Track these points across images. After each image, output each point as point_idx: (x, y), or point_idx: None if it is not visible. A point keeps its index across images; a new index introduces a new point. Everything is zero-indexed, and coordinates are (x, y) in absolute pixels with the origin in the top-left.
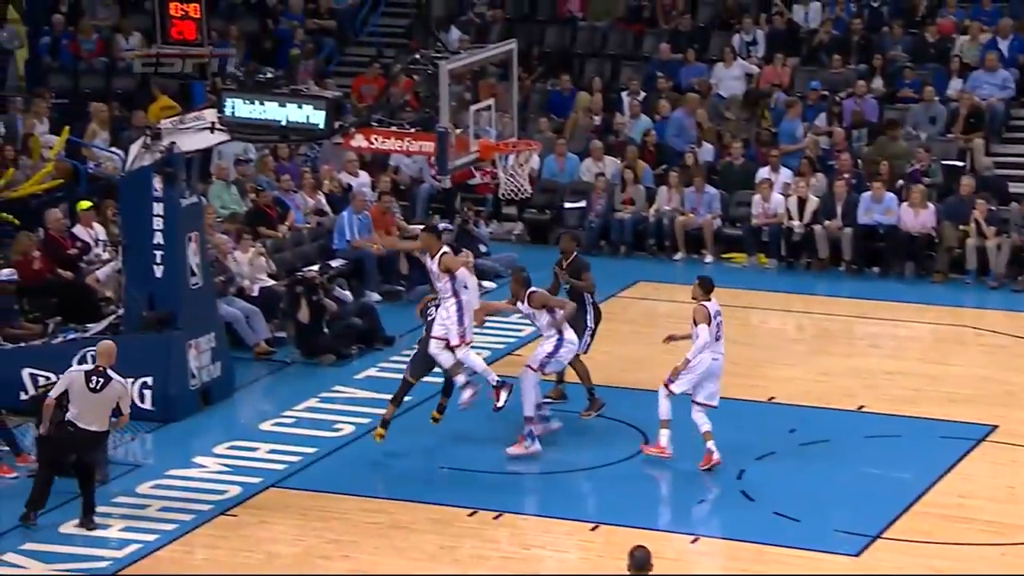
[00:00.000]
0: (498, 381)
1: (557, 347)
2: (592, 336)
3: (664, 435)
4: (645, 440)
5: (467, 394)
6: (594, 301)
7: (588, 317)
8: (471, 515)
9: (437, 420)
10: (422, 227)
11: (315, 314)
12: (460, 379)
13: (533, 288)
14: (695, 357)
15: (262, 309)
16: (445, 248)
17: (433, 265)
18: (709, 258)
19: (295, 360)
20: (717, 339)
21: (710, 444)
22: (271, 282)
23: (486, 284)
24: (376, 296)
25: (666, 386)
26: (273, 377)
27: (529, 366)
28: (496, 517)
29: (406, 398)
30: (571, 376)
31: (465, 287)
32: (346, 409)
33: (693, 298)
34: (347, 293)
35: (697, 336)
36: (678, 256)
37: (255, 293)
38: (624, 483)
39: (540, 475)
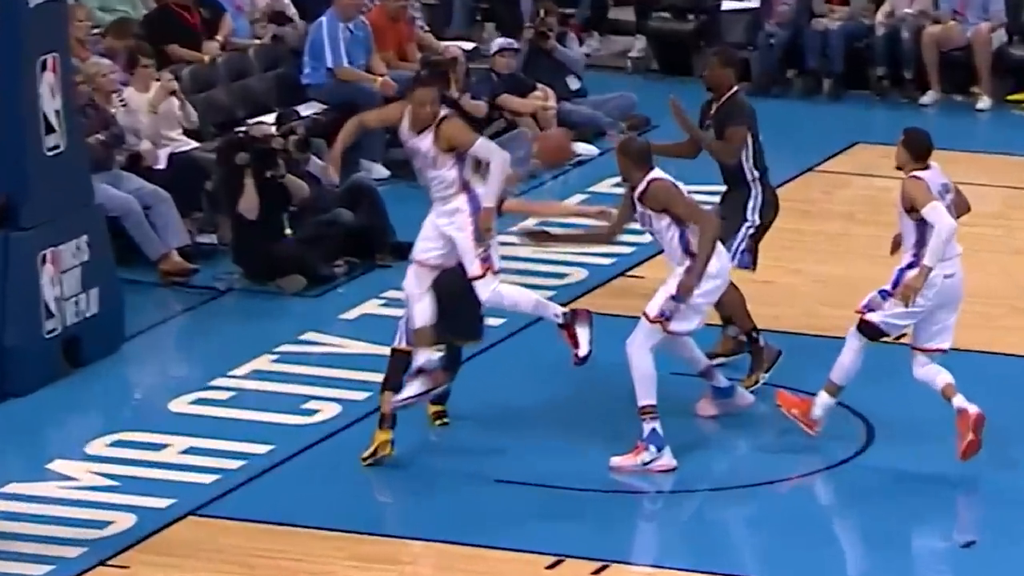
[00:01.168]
0: (565, 314)
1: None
2: (758, 238)
3: (822, 403)
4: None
5: (410, 390)
6: (763, 177)
7: (751, 205)
8: (553, 567)
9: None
10: (422, 64)
11: (270, 202)
12: (420, 358)
13: (656, 173)
14: (932, 262)
15: (174, 193)
16: (444, 109)
17: (419, 140)
18: (985, 101)
19: (234, 285)
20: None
21: (959, 401)
22: (192, 144)
23: (582, 149)
24: (380, 170)
25: (862, 317)
26: (195, 317)
27: (646, 315)
28: (599, 573)
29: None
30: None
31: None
32: (325, 375)
33: (898, 167)
34: (318, 161)
35: (933, 226)
36: (927, 97)
37: (161, 164)
38: (839, 513)
39: (666, 497)
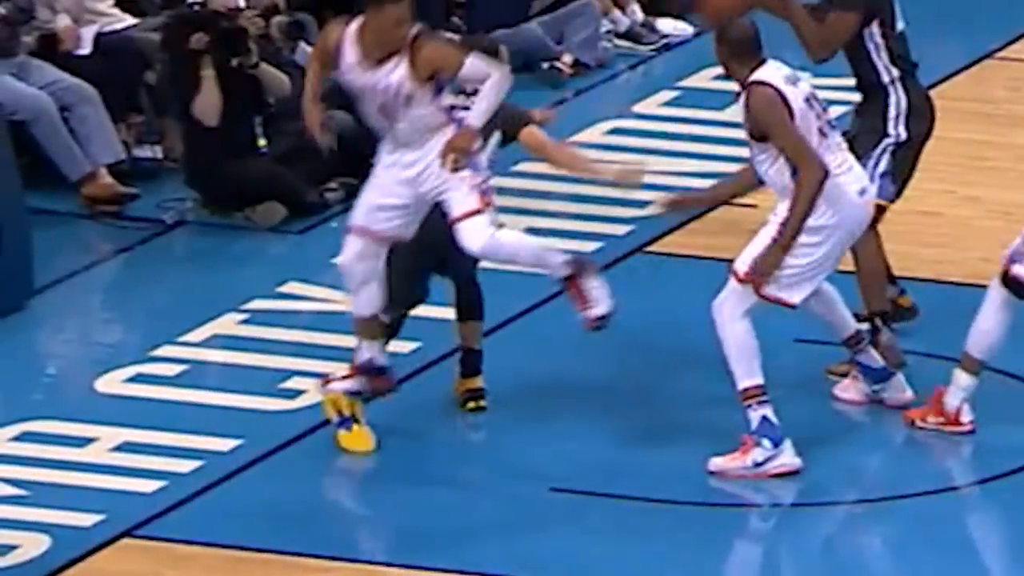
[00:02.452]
0: (571, 261)
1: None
2: (906, 159)
3: (959, 389)
4: None
5: (347, 384)
6: (905, 78)
7: (891, 115)
8: None
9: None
10: None
11: (237, 103)
12: (365, 353)
13: (765, 71)
14: None
15: (103, 89)
16: (417, 25)
17: (381, 74)
18: None
19: (187, 216)
20: None
21: None
22: (127, 20)
23: (671, 26)
24: None
25: (1006, 273)
26: (131, 261)
27: (735, 271)
28: None
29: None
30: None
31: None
32: (312, 342)
33: None
34: (308, 49)
35: None
36: None
37: (86, 49)
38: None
39: (784, 512)
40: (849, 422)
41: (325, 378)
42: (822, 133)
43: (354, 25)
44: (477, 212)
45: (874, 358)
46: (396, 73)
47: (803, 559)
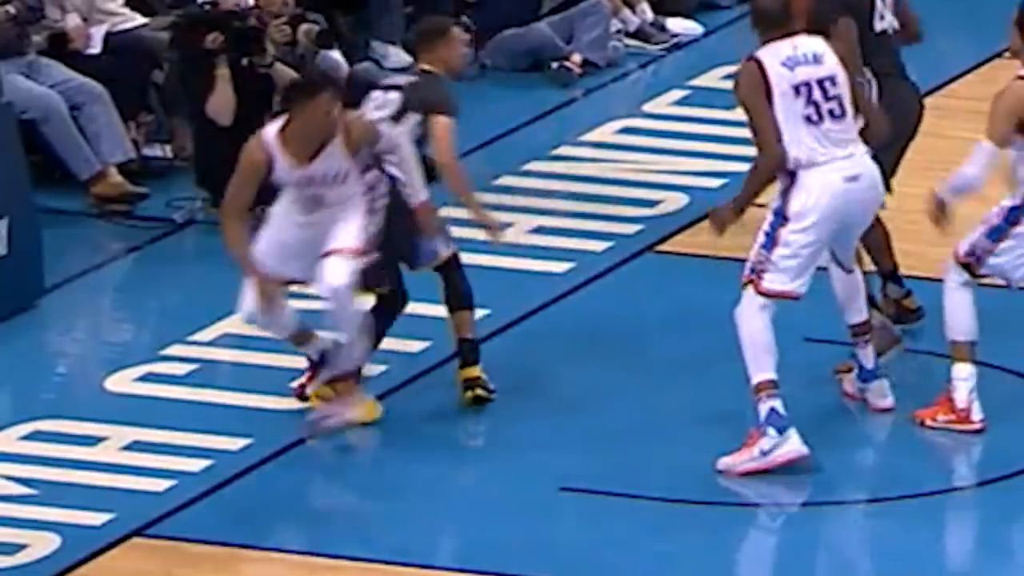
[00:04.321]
0: (352, 373)
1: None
2: (886, 160)
3: (962, 382)
4: None
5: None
6: (879, 76)
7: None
8: None
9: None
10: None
11: (250, 102)
12: (313, 350)
13: (767, 50)
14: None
15: (113, 88)
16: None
17: (320, 163)
18: None
19: (197, 216)
20: None
21: None
22: (137, 20)
23: (681, 26)
24: (398, 56)
25: (959, 260)
26: (141, 260)
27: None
28: None
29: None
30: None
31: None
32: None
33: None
34: (334, 54)
35: None
36: None
37: (96, 48)
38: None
39: (796, 511)
40: (858, 421)
41: (299, 390)
42: (810, 120)
43: (272, 134)
44: (352, 254)
45: (868, 356)
46: (332, 158)
47: (811, 558)
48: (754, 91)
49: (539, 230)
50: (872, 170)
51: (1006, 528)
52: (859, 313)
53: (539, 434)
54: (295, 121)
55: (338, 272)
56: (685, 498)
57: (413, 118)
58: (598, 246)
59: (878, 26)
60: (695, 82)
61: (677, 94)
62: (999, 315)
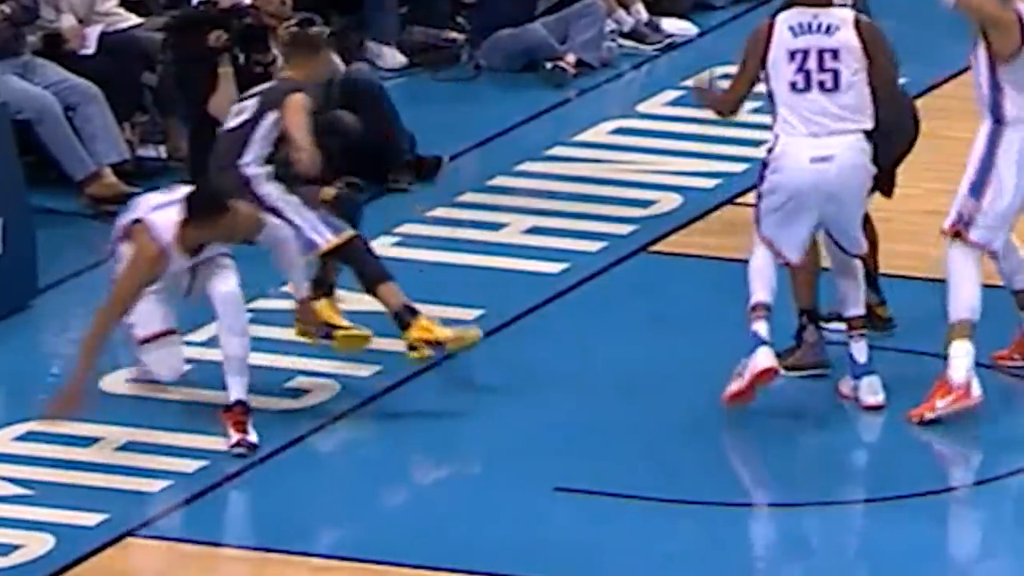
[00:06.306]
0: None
1: None
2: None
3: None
4: None
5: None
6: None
7: None
8: None
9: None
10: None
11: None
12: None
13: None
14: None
15: (108, 89)
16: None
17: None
18: None
19: None
20: None
21: None
22: (132, 19)
23: (675, 27)
24: (394, 57)
25: (955, 232)
26: None
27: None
28: None
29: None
30: None
31: None
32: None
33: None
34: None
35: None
36: None
37: (90, 48)
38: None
39: (798, 509)
40: (855, 420)
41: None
42: (794, 88)
43: (167, 230)
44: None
45: (861, 351)
46: (214, 246)
47: (809, 558)
48: (750, 49)
49: (533, 230)
50: (852, 155)
51: (1004, 528)
52: (856, 306)
53: (534, 434)
54: (206, 229)
55: (229, 279)
56: (680, 498)
57: (271, 117)
58: (592, 246)
59: None
60: (689, 83)
61: (671, 94)
62: (998, 315)
